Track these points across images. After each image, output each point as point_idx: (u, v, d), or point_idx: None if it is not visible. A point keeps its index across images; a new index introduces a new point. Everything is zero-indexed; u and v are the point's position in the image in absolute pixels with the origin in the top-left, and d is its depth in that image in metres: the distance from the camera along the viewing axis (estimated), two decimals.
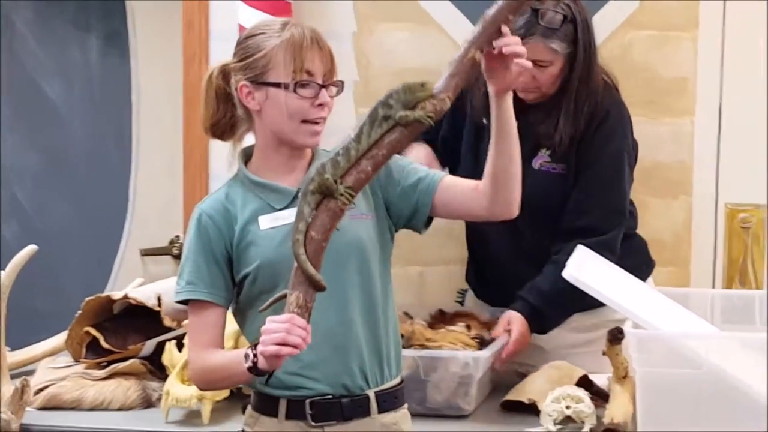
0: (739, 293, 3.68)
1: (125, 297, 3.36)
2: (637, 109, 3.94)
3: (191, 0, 4.19)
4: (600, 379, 3.19)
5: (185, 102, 4.21)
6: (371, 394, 2.57)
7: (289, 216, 2.52)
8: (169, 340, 3.26)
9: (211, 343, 2.54)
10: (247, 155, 2.65)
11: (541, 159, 3.42)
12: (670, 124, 3.98)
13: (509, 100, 2.52)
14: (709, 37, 3.94)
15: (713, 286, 3.99)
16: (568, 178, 3.41)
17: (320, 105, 2.55)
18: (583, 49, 3.33)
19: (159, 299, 3.30)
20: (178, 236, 4.24)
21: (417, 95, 2.46)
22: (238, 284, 2.58)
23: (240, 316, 2.62)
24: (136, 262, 4.60)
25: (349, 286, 2.56)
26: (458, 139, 3.52)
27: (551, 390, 3.02)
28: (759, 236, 3.98)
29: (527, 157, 3.31)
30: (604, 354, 3.01)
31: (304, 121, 2.54)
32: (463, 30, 3.99)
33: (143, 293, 3.37)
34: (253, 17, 3.91)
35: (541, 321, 3.39)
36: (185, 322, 3.19)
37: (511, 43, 2.46)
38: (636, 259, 3.55)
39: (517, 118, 2.56)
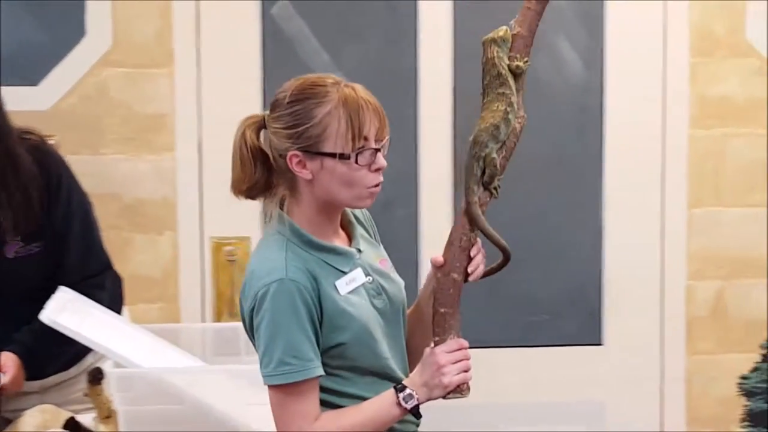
0: (228, 325, 3.72)
1: None
2: (118, 146, 3.95)
3: None
4: (87, 420, 3.13)
5: None
6: None
7: (357, 277, 2.42)
8: None
9: (319, 412, 2.38)
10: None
11: (15, 247, 3.31)
12: (151, 161, 3.99)
13: None
14: (185, 72, 3.99)
15: (203, 320, 4.02)
16: (47, 250, 3.32)
17: (377, 169, 2.38)
18: None
19: None
20: None
21: (507, 44, 2.46)
22: (322, 353, 2.39)
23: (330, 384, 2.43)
24: None
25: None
26: None
27: None
28: (245, 268, 4.05)
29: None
30: (86, 395, 2.96)
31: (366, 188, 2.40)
32: None
33: None
34: None
35: (36, 362, 3.29)
36: None
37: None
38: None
39: None
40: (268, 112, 2.42)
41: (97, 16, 3.95)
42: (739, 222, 4.20)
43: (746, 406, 4.27)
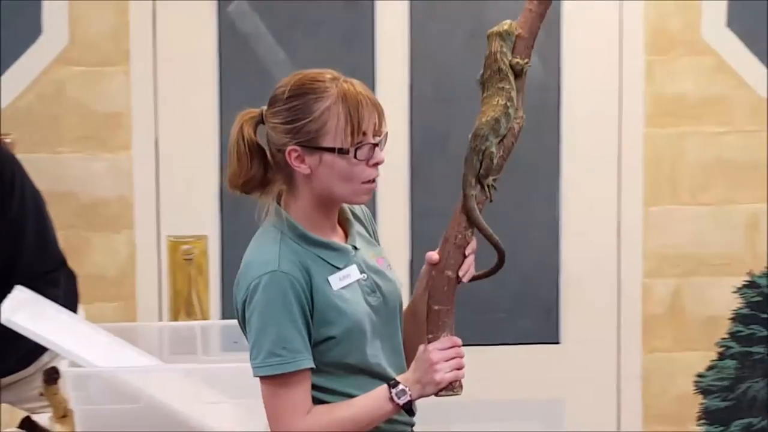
0: (185, 324, 3.73)
1: None
2: (74, 145, 3.94)
3: None
4: (43, 419, 3.12)
5: None
6: None
7: (351, 274, 2.43)
8: None
9: (311, 406, 2.38)
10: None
11: None
12: (108, 160, 3.98)
13: None
14: (141, 71, 3.98)
15: (160, 319, 4.01)
16: (1, 249, 3.30)
17: (376, 164, 2.42)
18: None
19: None
20: None
21: (512, 38, 2.49)
22: (313, 348, 2.39)
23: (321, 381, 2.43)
24: None
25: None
26: None
27: None
28: (202, 266, 4.05)
29: None
30: (41, 395, 2.95)
31: (362, 182, 2.42)
32: None
33: None
34: None
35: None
36: None
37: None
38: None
39: None
40: (266, 107, 2.43)
41: (54, 14, 3.93)
42: (695, 220, 4.23)
43: (702, 404, 4.29)
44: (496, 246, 2.49)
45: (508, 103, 2.46)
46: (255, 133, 2.43)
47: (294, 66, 4.02)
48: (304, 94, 2.38)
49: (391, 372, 2.46)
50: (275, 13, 4.04)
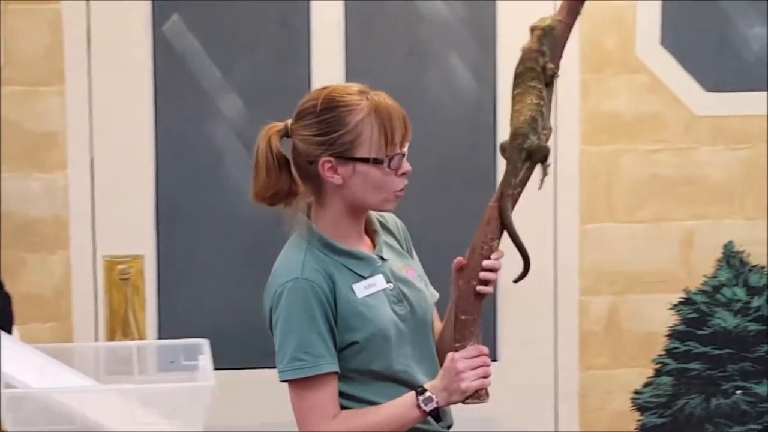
0: (121, 345, 3.72)
1: None
2: (9, 165, 3.91)
3: None
4: None
5: None
6: None
7: (376, 282, 2.50)
8: None
9: (338, 411, 2.45)
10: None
11: None
12: (42, 179, 3.95)
13: None
14: (76, 90, 3.95)
15: (96, 339, 3.99)
16: None
17: (403, 174, 2.49)
18: None
19: None
20: None
21: (554, 34, 2.53)
22: (338, 354, 2.47)
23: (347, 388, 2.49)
24: None
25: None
26: None
27: None
28: (139, 286, 4.03)
29: None
30: None
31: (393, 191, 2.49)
32: None
33: None
34: None
35: None
36: None
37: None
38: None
39: None
40: (290, 120, 2.50)
41: None
42: (630, 237, 4.25)
43: (639, 420, 4.31)
44: (521, 250, 2.57)
45: (541, 102, 2.53)
46: (279, 144, 2.50)
47: (229, 84, 4.03)
48: (335, 107, 2.46)
49: (421, 379, 2.52)
50: (210, 32, 4.03)
